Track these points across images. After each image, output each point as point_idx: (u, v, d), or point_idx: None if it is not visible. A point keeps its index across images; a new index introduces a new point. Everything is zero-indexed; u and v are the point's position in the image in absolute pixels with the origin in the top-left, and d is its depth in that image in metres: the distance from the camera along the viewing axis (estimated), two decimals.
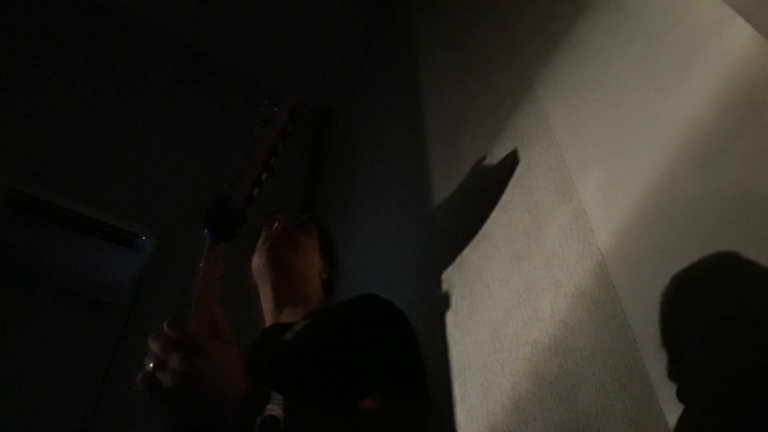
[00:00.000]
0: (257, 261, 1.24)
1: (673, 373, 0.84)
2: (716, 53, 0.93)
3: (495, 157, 1.52)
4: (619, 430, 0.89)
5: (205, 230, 0.64)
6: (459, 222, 1.58)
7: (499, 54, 1.68)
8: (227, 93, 3.03)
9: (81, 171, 2.31)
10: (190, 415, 0.62)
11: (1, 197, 1.93)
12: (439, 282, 1.55)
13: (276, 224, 1.29)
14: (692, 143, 0.93)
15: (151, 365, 0.61)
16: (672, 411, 0.82)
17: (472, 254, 1.45)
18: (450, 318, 1.45)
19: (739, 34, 0.89)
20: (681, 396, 0.81)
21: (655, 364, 0.87)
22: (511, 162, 1.43)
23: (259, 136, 0.71)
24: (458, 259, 1.50)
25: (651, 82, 1.06)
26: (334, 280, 1.34)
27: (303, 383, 0.83)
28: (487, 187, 1.49)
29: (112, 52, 2.79)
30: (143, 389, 0.60)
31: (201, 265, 0.64)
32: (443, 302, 1.49)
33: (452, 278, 1.50)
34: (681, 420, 0.80)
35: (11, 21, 2.53)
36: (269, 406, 0.63)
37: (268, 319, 1.20)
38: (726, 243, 0.82)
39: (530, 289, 1.21)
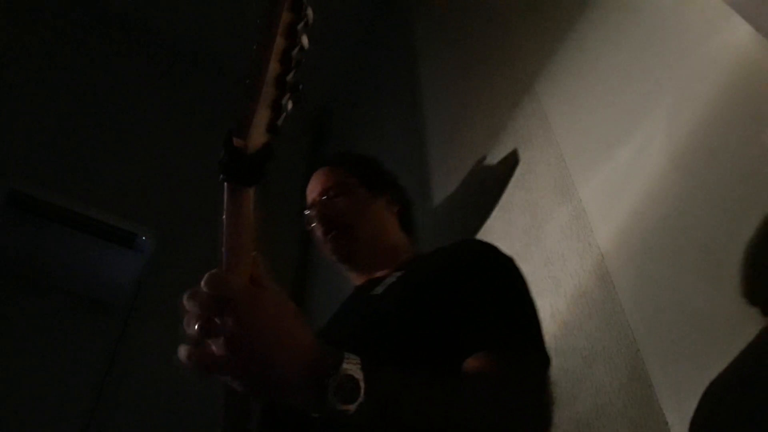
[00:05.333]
0: (325, 254, 1.11)
1: (673, 373, 0.84)
2: (716, 53, 0.93)
3: (495, 157, 1.52)
4: (619, 430, 0.89)
5: (221, 176, 0.53)
6: (459, 222, 1.58)
7: (499, 54, 1.68)
8: (227, 93, 3.03)
9: (81, 171, 2.31)
10: (252, 384, 0.51)
11: (2, 197, 1.93)
12: None
13: (314, 218, 1.11)
14: (692, 143, 0.93)
15: (197, 332, 0.49)
16: (672, 411, 0.82)
17: None
18: None
19: (739, 34, 0.89)
20: (681, 396, 0.81)
21: (655, 364, 0.87)
22: (511, 162, 1.43)
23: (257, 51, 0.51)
24: None
25: (651, 81, 1.06)
26: (407, 202, 1.20)
27: (397, 341, 0.71)
28: (487, 187, 1.49)
29: (113, 52, 2.79)
30: (192, 366, 0.49)
31: (224, 216, 0.53)
32: None
33: None
34: (681, 420, 0.80)
35: (11, 21, 2.53)
36: (344, 366, 0.51)
37: (358, 279, 1.09)
38: (726, 243, 0.82)
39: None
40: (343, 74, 3.17)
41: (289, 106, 0.52)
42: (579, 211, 1.14)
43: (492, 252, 0.88)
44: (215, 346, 0.49)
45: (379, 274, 1.03)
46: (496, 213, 1.42)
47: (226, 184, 0.53)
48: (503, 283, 0.81)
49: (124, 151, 2.49)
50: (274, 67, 0.49)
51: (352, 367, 0.51)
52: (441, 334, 0.72)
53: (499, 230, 1.39)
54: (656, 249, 0.95)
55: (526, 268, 1.23)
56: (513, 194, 1.39)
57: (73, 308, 2.05)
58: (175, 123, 2.74)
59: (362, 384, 0.50)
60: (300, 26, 0.49)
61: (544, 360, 0.75)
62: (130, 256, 2.09)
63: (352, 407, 0.50)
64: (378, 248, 1.07)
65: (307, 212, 1.14)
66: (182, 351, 0.50)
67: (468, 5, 2.00)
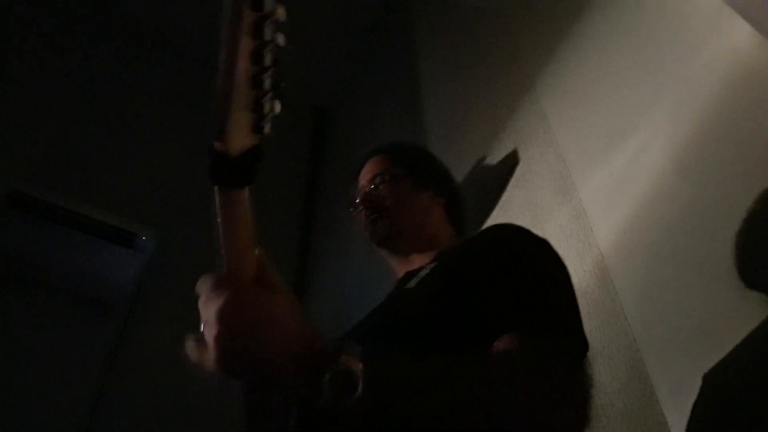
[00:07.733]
0: (366, 238, 1.15)
1: (673, 373, 0.84)
2: (716, 53, 0.93)
3: (495, 156, 1.52)
4: (619, 430, 0.89)
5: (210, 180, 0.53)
6: None
7: (499, 54, 1.68)
8: None
9: (81, 171, 2.31)
10: (242, 374, 0.53)
11: (1, 197, 1.93)
12: None
13: (359, 203, 1.15)
14: (692, 143, 0.93)
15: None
16: (672, 411, 0.82)
17: None
18: None
19: (739, 34, 0.89)
20: (681, 396, 0.81)
21: (655, 364, 0.87)
22: (511, 162, 1.43)
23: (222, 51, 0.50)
24: None
25: (651, 82, 1.06)
26: (455, 194, 1.21)
27: (424, 334, 0.70)
28: (487, 187, 1.49)
29: (112, 52, 2.79)
30: (190, 355, 0.52)
31: (218, 220, 0.53)
32: None
33: None
34: (681, 420, 0.80)
35: (11, 21, 2.53)
36: (342, 358, 0.51)
37: (399, 268, 1.11)
38: (725, 243, 0.82)
39: None
40: (342, 74, 3.17)
41: (277, 106, 0.51)
42: (579, 211, 1.14)
43: (524, 235, 0.84)
44: (207, 334, 0.51)
45: (417, 264, 1.04)
46: (496, 213, 1.42)
47: (216, 187, 0.53)
48: (535, 265, 0.77)
49: (124, 151, 2.49)
50: (245, 67, 0.49)
51: (349, 360, 0.51)
52: (469, 322, 0.69)
53: None
54: (656, 249, 0.95)
55: None
56: (513, 194, 1.39)
57: (73, 308, 2.05)
58: (175, 123, 2.74)
59: (360, 375, 0.50)
60: (267, 23, 0.48)
61: (577, 344, 0.69)
62: (130, 256, 2.09)
63: (349, 399, 0.50)
64: (417, 237, 1.09)
65: (354, 198, 1.19)
66: (187, 344, 0.52)
67: (468, 5, 2.00)
